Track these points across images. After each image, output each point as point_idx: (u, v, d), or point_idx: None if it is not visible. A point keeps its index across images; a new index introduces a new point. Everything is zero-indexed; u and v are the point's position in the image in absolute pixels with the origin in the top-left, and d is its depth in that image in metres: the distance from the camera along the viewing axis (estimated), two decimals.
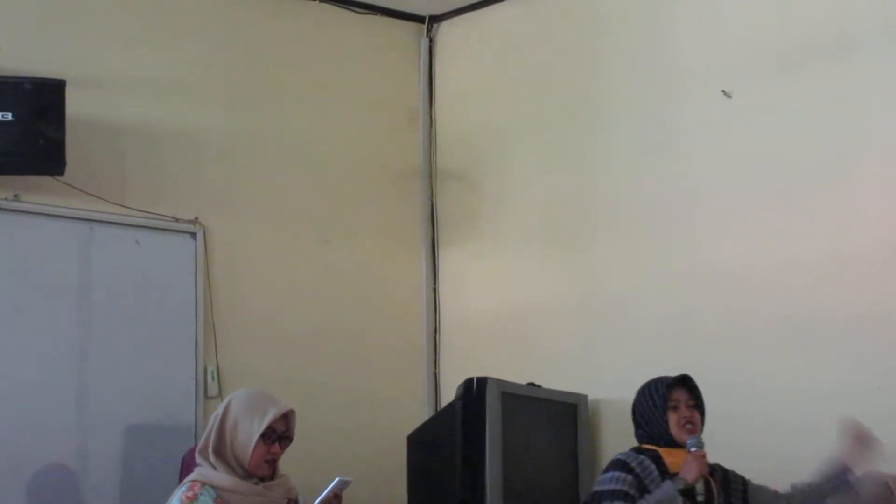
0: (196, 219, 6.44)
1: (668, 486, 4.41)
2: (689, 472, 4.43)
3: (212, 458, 4.08)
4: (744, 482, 4.71)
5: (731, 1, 6.13)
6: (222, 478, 4.05)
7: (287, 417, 4.16)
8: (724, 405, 5.46)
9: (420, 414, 6.89)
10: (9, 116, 5.65)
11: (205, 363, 6.37)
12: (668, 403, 4.56)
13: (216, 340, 6.41)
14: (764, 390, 5.69)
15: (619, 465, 4.51)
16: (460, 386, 5.91)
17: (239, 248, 6.59)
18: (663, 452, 4.53)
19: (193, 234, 6.42)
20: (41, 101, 5.73)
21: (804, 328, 5.65)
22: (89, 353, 6.04)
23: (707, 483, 4.52)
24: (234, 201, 6.62)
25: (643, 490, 4.43)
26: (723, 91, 6.03)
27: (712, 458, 4.60)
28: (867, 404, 5.25)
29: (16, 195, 5.90)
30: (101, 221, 6.13)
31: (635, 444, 4.67)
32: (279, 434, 4.13)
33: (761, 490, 4.72)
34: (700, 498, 4.46)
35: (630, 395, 4.73)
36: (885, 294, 5.44)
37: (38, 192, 5.94)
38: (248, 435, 4.07)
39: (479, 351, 6.92)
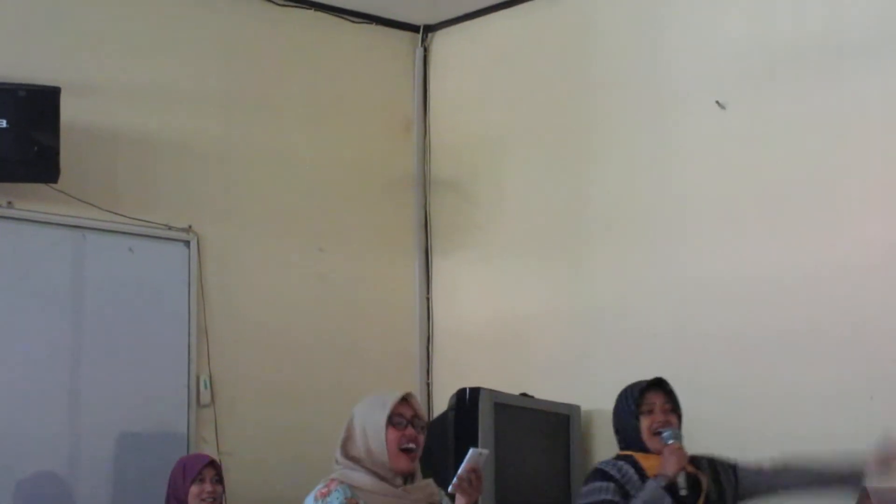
0: (189, 227, 6.44)
1: (651, 486, 4.34)
2: (669, 466, 4.35)
3: (346, 462, 3.98)
4: (734, 468, 4.63)
5: (725, 12, 6.14)
6: (362, 478, 3.93)
7: (409, 402, 4.02)
8: (717, 415, 5.49)
9: None
10: (3, 123, 5.64)
11: (197, 371, 6.36)
12: (641, 408, 4.48)
13: (209, 349, 6.40)
14: (757, 401, 5.69)
15: (598, 474, 4.46)
16: (453, 396, 5.91)
17: (232, 257, 6.59)
18: (639, 457, 4.46)
19: (187, 242, 6.41)
20: (35, 108, 5.72)
21: (797, 339, 5.66)
22: (82, 361, 6.03)
23: (691, 477, 4.44)
24: (228, 209, 6.62)
25: (626, 496, 4.37)
26: (717, 102, 6.04)
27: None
28: (860, 415, 5.26)
29: (9, 202, 5.89)
30: (94, 229, 6.12)
31: None
32: (409, 419, 3.99)
33: (748, 471, 4.63)
34: (683, 492, 4.37)
35: None
36: (878, 305, 5.45)
37: (32, 199, 5.93)
38: (376, 426, 3.94)
39: (471, 361, 6.92)
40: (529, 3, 6.93)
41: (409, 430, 3.97)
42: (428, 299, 7.27)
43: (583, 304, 6.51)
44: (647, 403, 4.50)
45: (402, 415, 3.99)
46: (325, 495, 3.90)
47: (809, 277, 5.65)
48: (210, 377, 6.39)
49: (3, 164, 5.69)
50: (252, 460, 6.35)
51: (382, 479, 3.94)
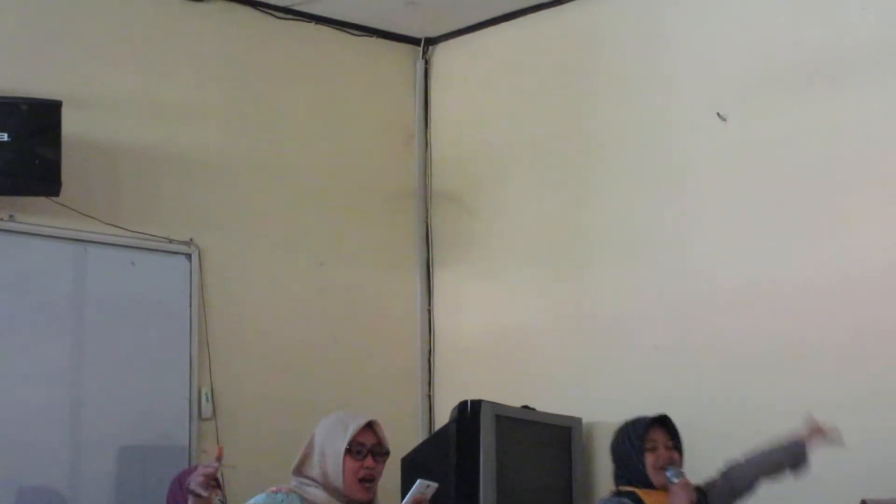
0: (191, 240, 6.45)
1: None
2: (679, 503, 4.39)
3: (297, 479, 3.94)
4: (704, 493, 4.62)
5: (727, 26, 6.14)
6: (317, 493, 3.90)
7: (374, 430, 3.96)
8: (718, 427, 5.49)
9: (414, 436, 6.88)
10: (5, 137, 5.65)
11: (199, 384, 6.36)
12: (645, 445, 4.50)
13: (210, 362, 6.40)
14: (758, 413, 5.68)
15: None
16: (454, 408, 5.91)
17: (233, 270, 6.59)
18: (642, 494, 4.47)
19: (188, 256, 6.42)
20: (37, 121, 5.73)
21: (799, 351, 5.65)
22: (83, 374, 6.03)
23: None
24: (229, 223, 6.62)
25: None
26: (718, 114, 6.05)
27: (694, 477, 4.59)
28: (863, 426, 5.26)
29: (11, 215, 5.90)
30: (95, 242, 6.12)
31: None
32: (369, 448, 3.93)
33: (710, 487, 4.64)
34: None
35: (625, 418, 4.73)
36: (880, 317, 5.45)
37: (34, 212, 5.94)
38: (335, 453, 3.89)
39: (473, 373, 6.91)
40: (530, 16, 6.94)
41: (369, 461, 3.91)
42: (429, 312, 7.28)
43: (584, 316, 6.51)
44: (650, 440, 4.52)
45: (363, 444, 3.92)
46: (276, 492, 3.89)
47: (810, 290, 5.65)
48: (212, 390, 6.39)
49: (4, 177, 5.70)
50: (253, 473, 6.34)
51: (337, 499, 3.90)
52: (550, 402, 6.29)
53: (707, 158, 6.12)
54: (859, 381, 5.46)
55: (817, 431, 4.65)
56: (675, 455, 4.53)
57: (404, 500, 3.91)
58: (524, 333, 6.76)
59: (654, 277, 6.23)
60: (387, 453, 3.97)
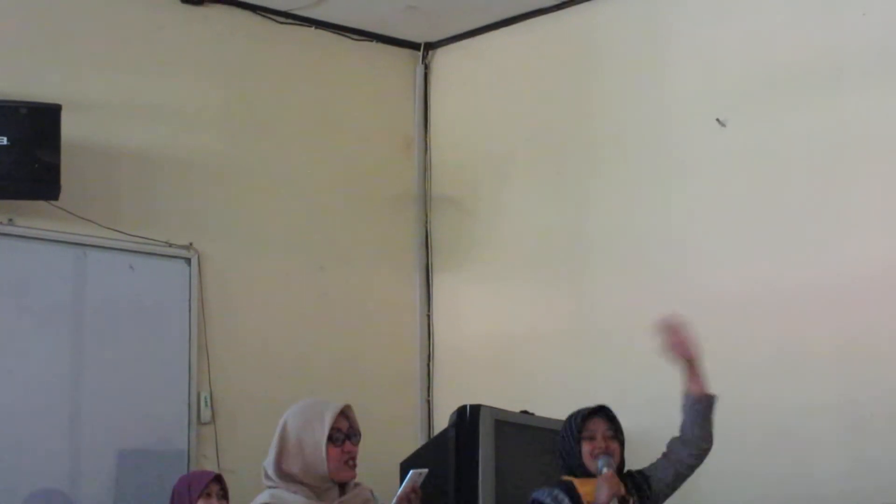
0: (190, 244, 6.45)
1: None
2: (601, 495, 4.37)
3: (278, 480, 3.99)
4: (646, 477, 4.60)
5: (726, 31, 6.15)
6: (295, 499, 3.94)
7: (346, 414, 4.04)
8: (719, 432, 5.46)
9: (413, 441, 6.88)
10: (4, 141, 5.66)
11: (198, 388, 6.36)
12: (583, 434, 4.51)
13: (210, 366, 6.40)
14: (759, 418, 5.69)
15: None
16: (453, 413, 5.90)
17: (233, 274, 6.59)
18: (578, 483, 4.47)
19: (187, 260, 6.42)
20: (37, 125, 5.74)
21: (798, 356, 5.66)
22: (82, 378, 6.03)
23: (623, 500, 4.43)
24: (229, 227, 6.62)
25: None
26: (717, 120, 6.05)
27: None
28: (861, 432, 5.26)
29: (10, 219, 5.90)
30: (95, 246, 6.13)
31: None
32: (346, 432, 4.01)
33: (652, 469, 4.60)
34: None
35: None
36: (879, 322, 5.45)
37: (33, 216, 5.94)
38: (315, 444, 3.96)
39: (472, 378, 6.91)
40: (530, 21, 6.95)
41: (348, 445, 4.00)
42: (428, 317, 7.27)
43: (583, 320, 6.51)
44: (588, 430, 4.53)
45: (340, 429, 4.00)
46: None
47: (810, 294, 5.66)
48: (211, 394, 6.39)
49: (4, 181, 5.70)
50: (253, 477, 6.32)
51: (318, 496, 3.95)
52: (549, 406, 6.27)
53: (707, 163, 6.12)
54: (859, 386, 5.46)
55: (672, 340, 4.65)
56: (614, 445, 4.51)
57: (400, 490, 4.00)
58: (523, 338, 6.76)
59: (654, 282, 6.23)
60: (360, 435, 4.07)
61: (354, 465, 4.02)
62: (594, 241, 6.55)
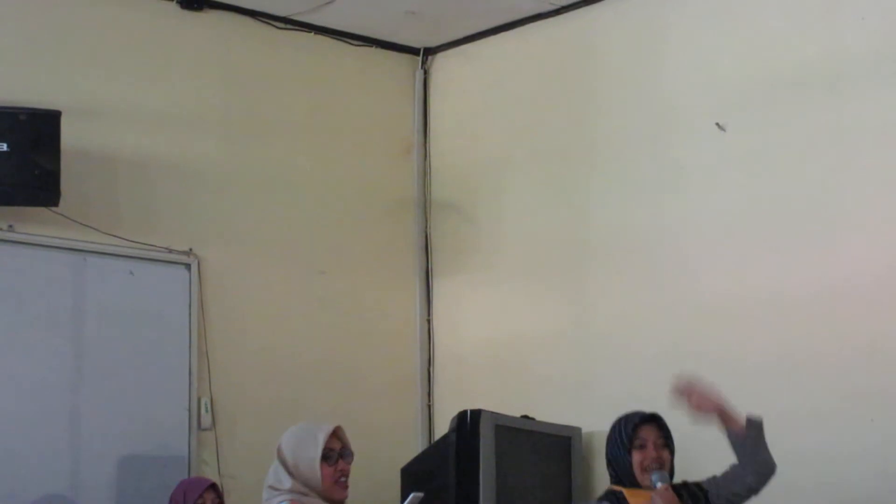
0: (190, 250, 6.45)
1: None
2: None
3: (288, 491, 4.12)
4: (705, 492, 4.53)
5: (725, 36, 6.15)
6: (315, 502, 4.12)
7: (338, 434, 4.21)
8: (718, 436, 5.46)
9: (414, 446, 6.88)
10: (4, 147, 5.66)
11: (198, 394, 6.36)
12: (634, 442, 4.41)
13: (210, 371, 6.40)
14: None
15: None
16: (454, 418, 5.91)
17: (233, 280, 6.59)
18: (628, 493, 4.39)
19: (187, 265, 6.42)
20: (36, 131, 5.74)
21: (797, 361, 5.66)
22: (82, 384, 6.03)
23: None
24: (229, 232, 6.62)
25: None
26: (717, 124, 6.05)
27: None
28: (861, 437, 5.25)
29: (10, 225, 5.90)
30: (95, 252, 6.13)
31: None
32: (339, 451, 4.18)
33: (712, 485, 4.53)
34: None
35: None
36: (879, 326, 5.45)
37: (33, 222, 5.94)
38: (310, 464, 4.12)
39: (472, 383, 6.91)
40: (529, 26, 6.95)
41: (341, 463, 4.18)
42: (429, 322, 7.28)
43: (583, 325, 6.51)
44: (639, 438, 4.43)
45: (333, 449, 4.17)
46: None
47: (809, 299, 5.65)
48: (211, 400, 6.39)
49: (3, 187, 5.71)
50: (253, 483, 6.31)
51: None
52: (550, 411, 6.29)
53: (705, 168, 6.12)
54: (859, 391, 5.45)
55: (690, 398, 4.52)
56: (665, 454, 4.42)
57: None
58: (523, 343, 6.76)
59: (653, 287, 6.23)
60: (353, 455, 4.22)
61: (346, 486, 4.18)
62: (594, 246, 6.55)
